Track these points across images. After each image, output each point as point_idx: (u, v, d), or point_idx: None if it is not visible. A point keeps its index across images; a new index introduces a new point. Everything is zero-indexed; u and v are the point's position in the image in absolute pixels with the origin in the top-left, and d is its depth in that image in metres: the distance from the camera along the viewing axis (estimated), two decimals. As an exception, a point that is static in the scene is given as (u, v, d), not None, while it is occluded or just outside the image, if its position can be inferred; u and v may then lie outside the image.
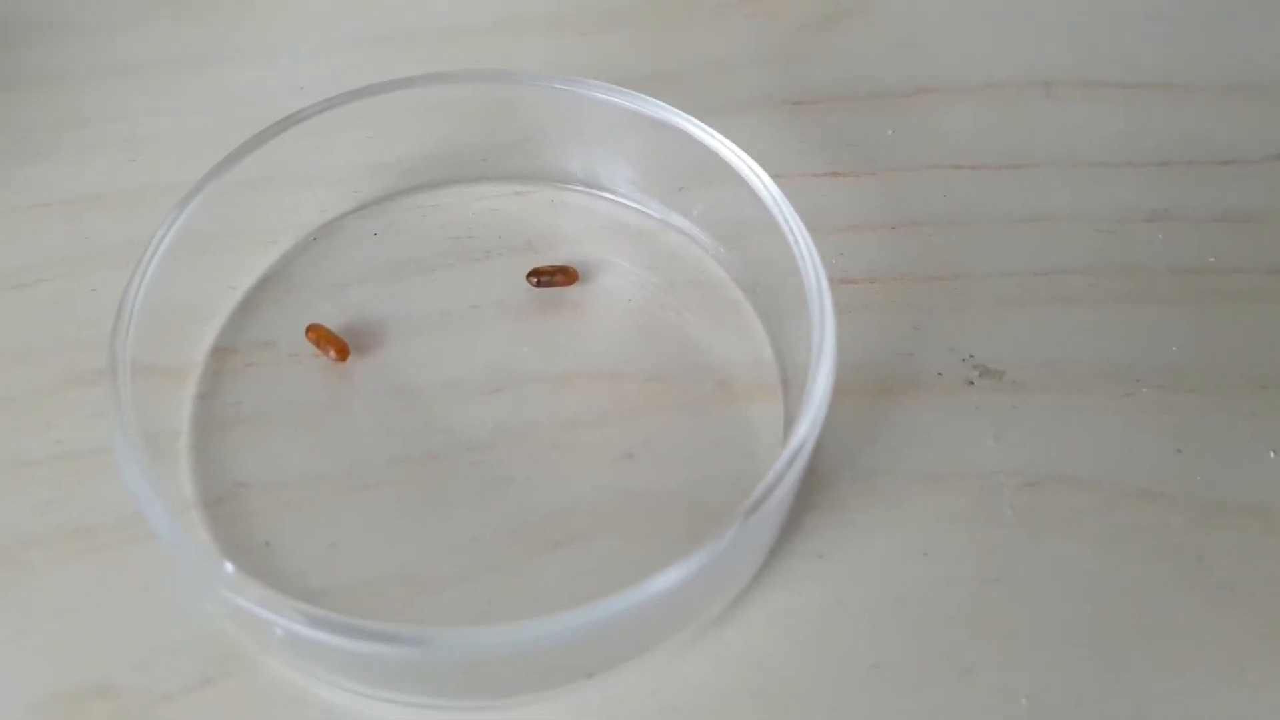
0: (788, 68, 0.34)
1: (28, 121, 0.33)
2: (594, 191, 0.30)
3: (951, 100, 0.34)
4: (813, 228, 0.26)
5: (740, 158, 0.27)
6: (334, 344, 0.27)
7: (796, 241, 0.25)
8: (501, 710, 0.23)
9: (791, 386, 0.27)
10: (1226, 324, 0.29)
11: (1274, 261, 0.30)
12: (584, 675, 0.22)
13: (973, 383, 0.28)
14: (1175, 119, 0.33)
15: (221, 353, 0.27)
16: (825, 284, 0.25)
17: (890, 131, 0.33)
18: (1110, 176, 0.32)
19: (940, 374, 0.28)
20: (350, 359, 0.27)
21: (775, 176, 0.27)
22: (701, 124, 0.27)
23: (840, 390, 0.25)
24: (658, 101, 0.28)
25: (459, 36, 0.35)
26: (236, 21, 0.35)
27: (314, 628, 0.20)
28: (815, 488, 0.26)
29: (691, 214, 0.29)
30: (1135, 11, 0.36)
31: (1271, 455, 0.27)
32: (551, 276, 0.28)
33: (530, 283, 0.28)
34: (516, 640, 0.20)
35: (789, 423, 0.26)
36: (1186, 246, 0.30)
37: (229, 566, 0.21)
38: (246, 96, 0.33)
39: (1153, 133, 0.33)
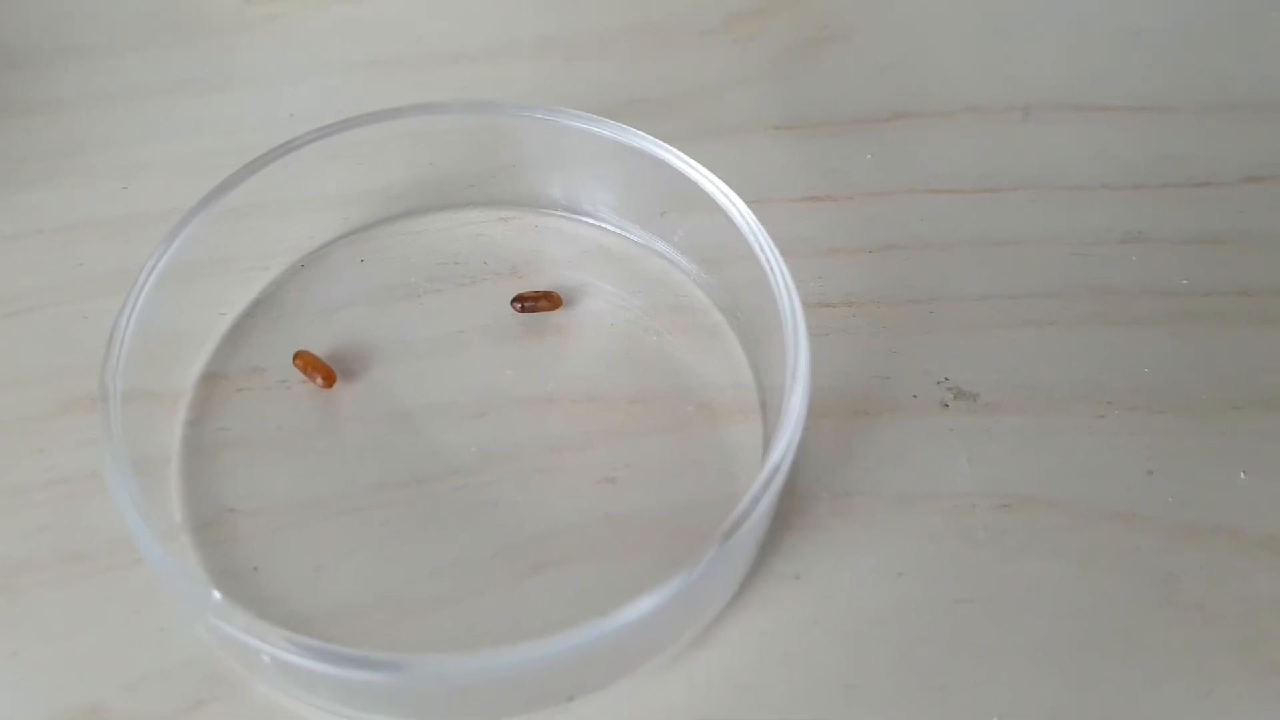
0: (769, 93, 0.35)
1: (21, 148, 0.33)
2: (577, 217, 0.31)
3: (930, 125, 0.34)
4: (792, 252, 0.27)
5: (716, 185, 0.27)
6: (321, 370, 0.27)
7: (772, 268, 0.26)
8: (484, 732, 0.23)
9: (770, 408, 0.27)
10: (1198, 346, 0.29)
11: (1246, 283, 0.31)
12: (565, 698, 0.23)
13: (947, 405, 0.28)
14: (1151, 142, 0.34)
15: (211, 379, 0.28)
16: (799, 310, 0.25)
17: (869, 156, 0.33)
18: (1086, 200, 0.32)
19: (915, 396, 0.28)
20: (337, 384, 0.28)
21: (756, 201, 0.27)
22: (679, 152, 0.28)
23: (817, 412, 0.25)
24: (637, 131, 0.28)
25: (448, 62, 0.36)
26: (227, 49, 0.36)
27: (299, 654, 0.20)
28: (792, 508, 0.26)
29: (672, 239, 0.30)
30: (1113, 37, 0.37)
31: (1242, 476, 0.27)
32: (535, 301, 0.29)
33: (515, 308, 0.29)
34: (496, 666, 0.20)
35: (768, 444, 0.27)
36: (1160, 269, 0.31)
37: (217, 594, 0.21)
38: (237, 123, 0.34)
39: (1128, 156, 0.34)
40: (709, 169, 0.28)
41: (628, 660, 0.23)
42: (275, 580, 0.25)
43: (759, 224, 0.27)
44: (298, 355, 0.28)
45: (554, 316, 0.29)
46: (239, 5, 0.37)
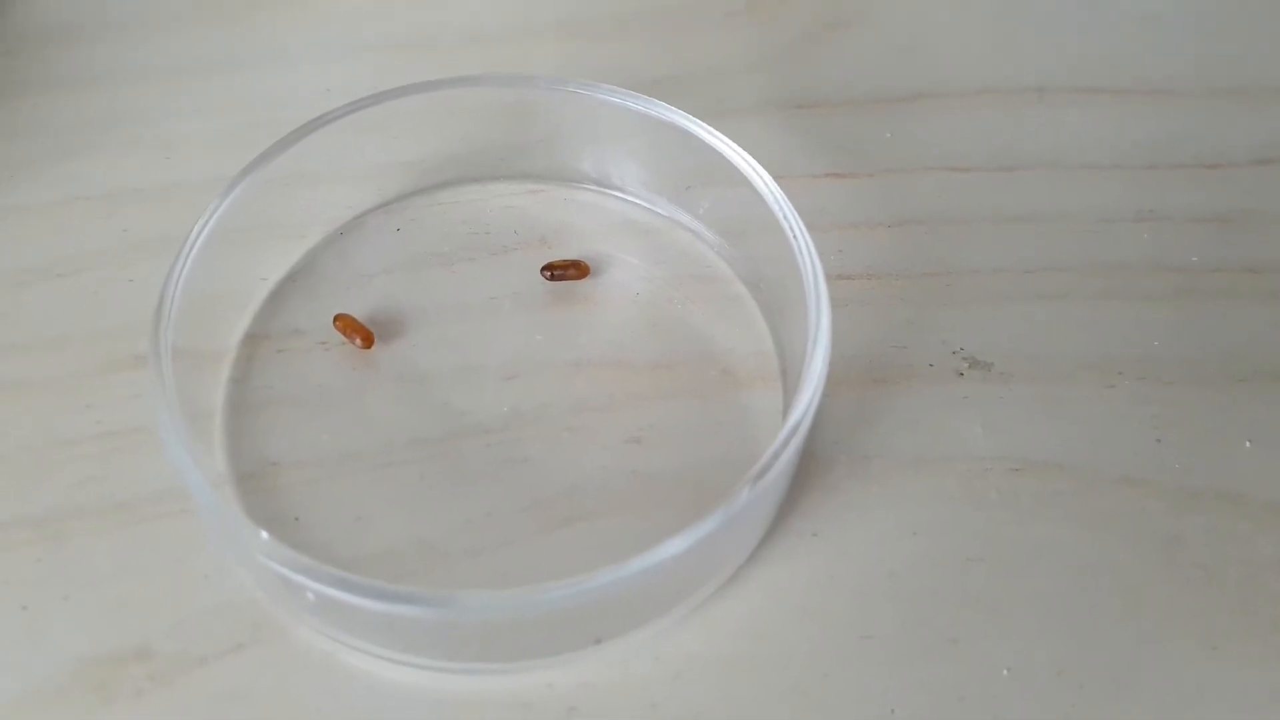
0: (791, 72, 0.36)
1: (67, 119, 0.34)
2: (605, 190, 0.32)
3: (947, 105, 0.35)
4: (813, 226, 0.27)
5: (744, 159, 0.28)
6: (360, 332, 0.28)
7: (796, 239, 0.27)
8: (515, 673, 0.24)
9: (790, 375, 0.28)
10: (1206, 320, 0.30)
11: (1254, 261, 0.31)
12: (593, 641, 0.24)
13: (962, 374, 0.29)
14: (1163, 123, 0.35)
15: (254, 339, 0.29)
16: (822, 279, 0.26)
17: (888, 134, 0.34)
18: (1099, 178, 0.33)
19: (932, 365, 0.29)
20: (374, 346, 0.29)
21: (778, 177, 0.28)
22: (707, 126, 0.29)
23: (837, 379, 0.26)
24: (666, 105, 0.29)
25: (477, 41, 0.36)
26: (265, 25, 0.37)
27: (344, 591, 0.21)
28: (811, 470, 0.27)
29: (698, 212, 0.31)
30: (1127, 19, 0.38)
31: (1247, 445, 0.28)
32: (564, 270, 0.30)
33: (544, 276, 0.30)
34: (534, 603, 0.21)
35: (788, 410, 0.28)
36: (1170, 245, 0.32)
37: (264, 534, 0.22)
38: (274, 97, 0.35)
39: (1141, 136, 0.34)
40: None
41: (653, 606, 0.24)
42: (316, 529, 0.26)
43: (784, 196, 0.27)
44: (338, 318, 0.29)
45: (582, 285, 0.30)
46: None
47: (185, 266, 0.26)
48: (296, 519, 0.26)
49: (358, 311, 0.29)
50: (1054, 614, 0.25)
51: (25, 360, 0.29)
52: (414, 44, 0.37)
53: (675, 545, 0.22)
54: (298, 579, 0.22)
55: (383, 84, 0.30)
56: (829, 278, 0.27)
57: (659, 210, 0.31)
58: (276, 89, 0.35)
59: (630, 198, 0.32)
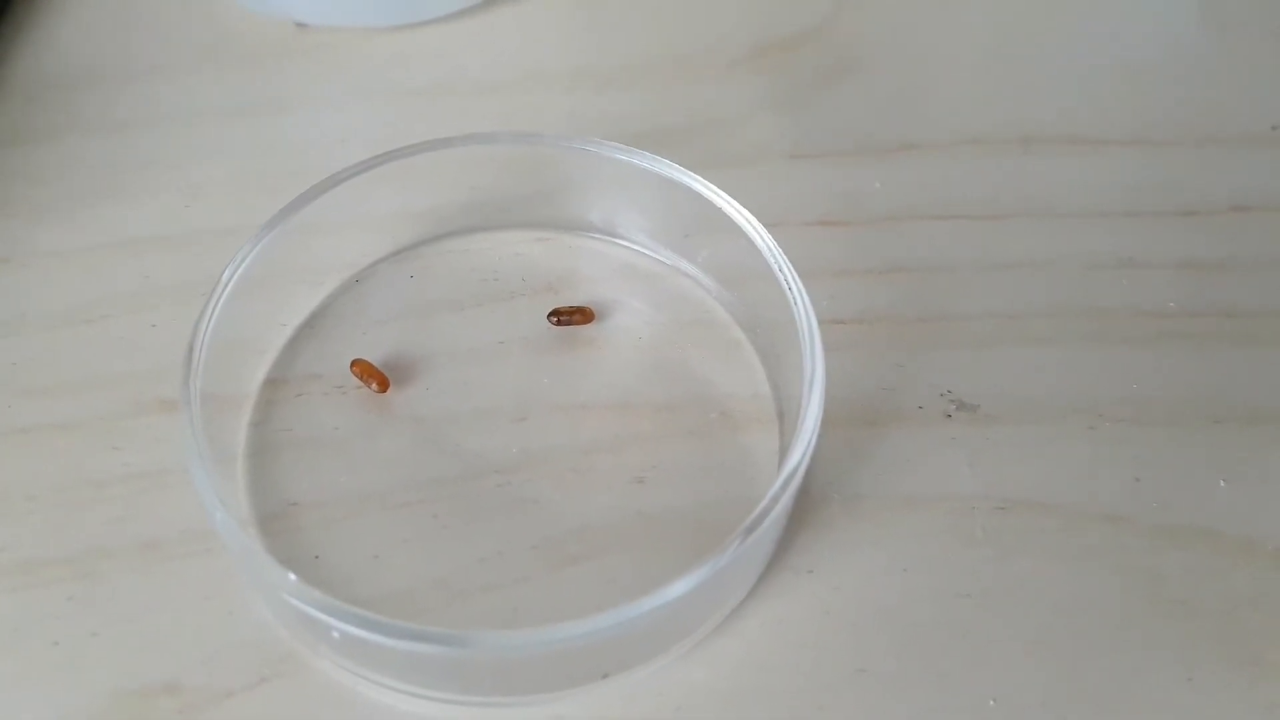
0: (788, 122, 0.37)
1: (92, 165, 0.35)
2: (609, 239, 0.33)
3: (936, 155, 0.36)
4: (806, 273, 0.29)
5: (739, 210, 0.29)
6: (376, 377, 0.30)
7: (790, 287, 0.28)
8: (527, 706, 0.25)
9: (786, 417, 0.30)
10: (1183, 363, 0.31)
11: (1230, 305, 0.33)
12: (600, 676, 0.25)
13: (950, 415, 0.30)
14: (1143, 173, 0.36)
15: (273, 384, 0.30)
16: (815, 326, 0.27)
17: (878, 184, 0.35)
18: (1081, 226, 0.35)
19: (921, 407, 0.30)
20: (389, 390, 0.30)
21: (772, 225, 0.29)
22: (703, 180, 0.30)
23: (830, 420, 0.27)
24: (667, 160, 0.30)
25: (487, 91, 0.38)
26: (283, 74, 0.38)
27: (369, 630, 0.23)
28: (806, 509, 0.28)
29: (697, 260, 0.32)
30: (1108, 73, 0.39)
31: (1222, 484, 0.29)
32: (570, 316, 0.31)
33: (551, 322, 0.31)
34: (547, 641, 0.22)
35: (784, 450, 0.29)
36: (1149, 292, 0.33)
37: (292, 576, 0.23)
38: (292, 145, 0.36)
39: (1121, 186, 0.36)
40: (730, 194, 0.30)
41: (658, 642, 0.25)
42: (336, 567, 0.27)
43: (778, 246, 0.29)
44: (355, 362, 0.30)
45: (587, 330, 0.31)
46: (291, 35, 0.39)
47: (214, 314, 0.28)
48: (316, 557, 0.27)
49: (373, 356, 0.30)
50: (1038, 646, 0.27)
51: (55, 404, 0.30)
52: (428, 92, 0.38)
53: (681, 586, 0.23)
54: (323, 618, 0.23)
55: (398, 132, 0.31)
56: (821, 322, 0.28)
57: (661, 258, 0.33)
58: (294, 137, 0.36)
59: (633, 246, 0.33)
